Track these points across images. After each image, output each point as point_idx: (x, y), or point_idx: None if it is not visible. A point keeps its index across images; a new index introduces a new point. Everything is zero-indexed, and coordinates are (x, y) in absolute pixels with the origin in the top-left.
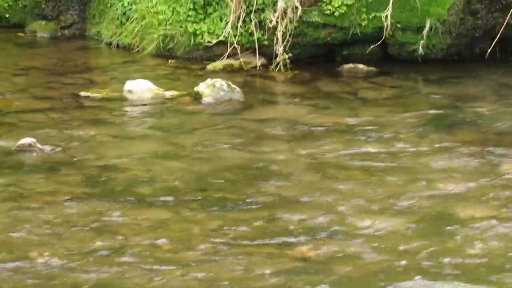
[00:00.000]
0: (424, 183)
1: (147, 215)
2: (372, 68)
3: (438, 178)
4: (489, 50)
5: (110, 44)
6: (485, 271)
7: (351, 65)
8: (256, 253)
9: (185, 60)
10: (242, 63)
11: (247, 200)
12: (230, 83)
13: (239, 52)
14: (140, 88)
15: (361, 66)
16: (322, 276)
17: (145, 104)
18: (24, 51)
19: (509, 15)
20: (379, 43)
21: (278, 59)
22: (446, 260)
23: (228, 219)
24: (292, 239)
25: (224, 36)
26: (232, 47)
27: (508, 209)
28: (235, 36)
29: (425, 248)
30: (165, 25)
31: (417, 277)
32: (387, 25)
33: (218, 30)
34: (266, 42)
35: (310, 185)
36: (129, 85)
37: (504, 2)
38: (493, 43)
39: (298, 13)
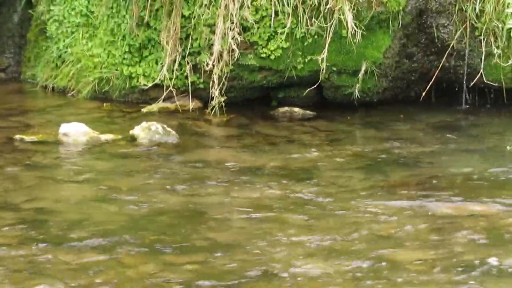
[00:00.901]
0: (360, 227)
1: (82, 259)
2: (308, 112)
3: (373, 221)
4: (424, 93)
5: (45, 87)
6: None
7: (286, 108)
8: None
9: (121, 103)
10: (178, 106)
11: (182, 244)
12: (165, 126)
13: (174, 95)
14: (76, 131)
15: (296, 109)
16: None
17: (81, 148)
18: None
19: (444, 58)
20: (315, 86)
21: (213, 102)
22: None
23: (163, 263)
24: (227, 283)
25: (159, 79)
26: (168, 90)
27: (442, 252)
28: (170, 79)
29: None
30: (101, 68)
31: None
32: (323, 68)
33: (153, 73)
34: (202, 85)
35: (245, 229)
36: (64, 128)
37: (439, 45)
38: (428, 86)
39: (234, 56)
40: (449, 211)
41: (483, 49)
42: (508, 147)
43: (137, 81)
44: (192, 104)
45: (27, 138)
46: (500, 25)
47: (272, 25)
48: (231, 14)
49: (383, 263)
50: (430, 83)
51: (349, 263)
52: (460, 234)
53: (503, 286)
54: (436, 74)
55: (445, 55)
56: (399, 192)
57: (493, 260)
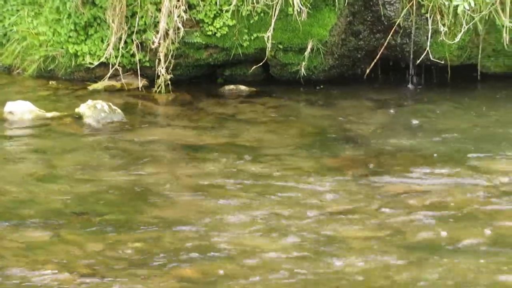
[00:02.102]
0: (306, 204)
1: (28, 238)
2: (254, 89)
3: (319, 198)
4: (368, 70)
5: None
6: None
7: (232, 86)
8: (138, 274)
9: (67, 81)
10: (124, 84)
11: (129, 222)
12: (111, 104)
13: (120, 73)
14: (21, 110)
15: (242, 87)
16: None
17: (26, 126)
18: None
19: (390, 36)
20: (261, 64)
21: (160, 81)
22: (327, 281)
23: (110, 241)
24: (174, 260)
25: (105, 58)
26: (113, 68)
27: (388, 229)
28: (116, 57)
29: (307, 269)
30: (46, 46)
31: None
32: (268, 46)
33: (99, 51)
34: (148, 64)
35: (192, 206)
36: (9, 106)
37: (386, 23)
38: (373, 63)
39: (180, 34)
40: (396, 188)
41: (429, 26)
42: (410, 117)
43: (83, 59)
44: (138, 82)
45: None
46: (446, 3)
47: (218, 3)
48: None
49: (330, 240)
50: (376, 61)
51: (295, 240)
52: (407, 210)
53: (450, 262)
54: (382, 51)
55: (391, 33)
56: (345, 169)
57: (440, 237)
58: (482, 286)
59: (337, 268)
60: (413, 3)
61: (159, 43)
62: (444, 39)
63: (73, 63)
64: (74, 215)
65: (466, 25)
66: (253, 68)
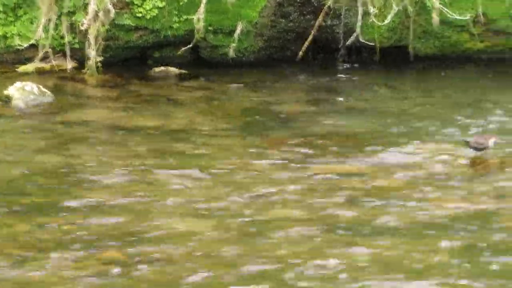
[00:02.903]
0: (236, 186)
1: None
2: (184, 71)
3: (250, 181)
4: (300, 52)
5: None
6: (290, 274)
7: (162, 68)
8: (66, 257)
9: None
10: (54, 66)
11: (57, 204)
12: (41, 86)
13: (51, 55)
14: None
15: (172, 68)
16: (131, 281)
17: None
18: None
19: (320, 17)
20: (190, 45)
21: (90, 63)
22: (253, 263)
23: (37, 223)
24: (102, 242)
25: (35, 39)
26: (43, 50)
27: (316, 211)
28: (46, 39)
29: (236, 252)
30: None
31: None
32: (198, 27)
33: (29, 33)
34: (78, 46)
35: (121, 189)
36: None
37: (316, 5)
38: (304, 46)
39: (110, 16)
40: (327, 169)
41: (360, 8)
42: (341, 99)
43: (12, 41)
44: (68, 64)
45: None
46: None
47: None
48: None
49: (257, 222)
50: (306, 43)
51: (223, 222)
52: (338, 193)
53: (379, 243)
54: (312, 33)
55: (322, 15)
56: (276, 151)
57: (370, 218)
58: (413, 265)
59: (263, 248)
60: None
61: (88, 25)
62: (374, 20)
63: (2, 45)
64: (1, 197)
65: (396, 6)
66: (182, 49)
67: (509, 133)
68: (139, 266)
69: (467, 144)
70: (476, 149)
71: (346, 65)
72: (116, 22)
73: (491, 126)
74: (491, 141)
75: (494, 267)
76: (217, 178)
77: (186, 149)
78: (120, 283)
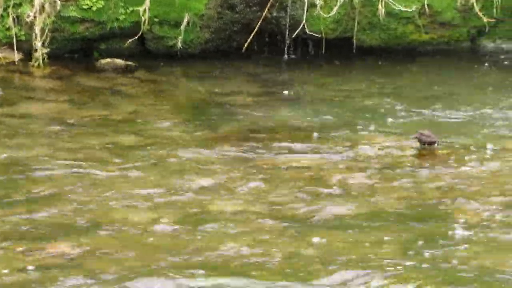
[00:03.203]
0: (183, 177)
1: None
2: (130, 63)
3: (197, 172)
4: (246, 44)
5: None
6: (237, 265)
7: (108, 59)
8: (13, 248)
9: None
10: (1, 58)
11: (4, 197)
12: None
13: None
14: None
15: (119, 60)
16: (80, 271)
17: None
18: None
19: (266, 9)
20: (136, 37)
21: (36, 55)
22: (200, 255)
23: None
24: (50, 234)
25: None
26: None
27: (263, 203)
28: None
29: (181, 244)
30: None
31: (171, 274)
32: (144, 19)
33: None
34: (24, 37)
35: (68, 180)
36: None
37: None
38: (250, 37)
39: (57, 8)
40: (274, 162)
41: (306, 0)
42: (287, 91)
43: None
44: (15, 56)
45: None
46: None
47: None
48: None
49: (204, 214)
50: (252, 34)
51: (170, 213)
52: (284, 185)
53: (326, 235)
54: (258, 25)
55: (268, 6)
56: (223, 143)
57: (314, 212)
58: (359, 257)
59: (211, 241)
60: None
61: (34, 17)
62: (320, 12)
63: None
64: None
65: None
66: (128, 41)
67: (454, 125)
68: (89, 256)
69: (415, 137)
70: (424, 142)
71: (292, 57)
72: (62, 14)
73: (437, 118)
74: (437, 136)
75: (439, 258)
76: (163, 169)
77: (132, 141)
78: (73, 274)
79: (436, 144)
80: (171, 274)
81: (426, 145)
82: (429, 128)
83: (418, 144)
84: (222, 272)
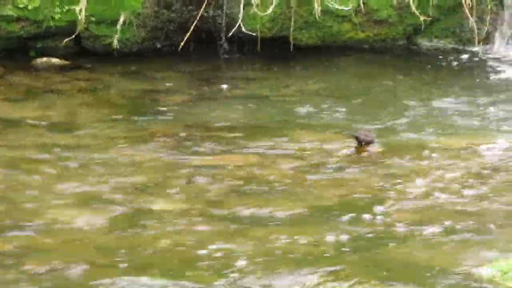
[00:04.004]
0: (120, 176)
1: None
2: (66, 62)
3: (132, 170)
4: (182, 43)
5: None
6: (170, 265)
7: (45, 58)
8: None
9: None
10: None
11: None
12: None
13: None
14: None
15: (54, 59)
16: (14, 271)
17: None
18: None
19: (202, 8)
20: (73, 36)
21: None
22: (141, 254)
23: None
24: None
25: None
26: None
27: (199, 202)
28: None
29: (121, 243)
30: None
31: (115, 274)
32: (81, 18)
33: None
34: None
35: (3, 180)
36: None
37: None
38: (187, 36)
39: None
40: (209, 161)
41: None
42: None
43: None
44: None
45: None
46: None
47: None
48: None
49: (142, 213)
50: (188, 33)
51: (108, 212)
52: (221, 183)
53: (262, 233)
54: (195, 24)
55: (204, 5)
56: (158, 142)
57: (251, 210)
58: (296, 256)
59: (149, 240)
60: None
61: None
62: (256, 11)
63: None
64: None
65: None
66: (65, 40)
67: (391, 124)
68: (25, 257)
69: (353, 136)
70: (361, 141)
71: (229, 56)
72: None
73: (373, 116)
74: (374, 135)
75: (375, 255)
76: (99, 169)
77: (68, 141)
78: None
79: (373, 143)
80: (104, 273)
81: (363, 144)
82: (366, 127)
83: (355, 143)
84: (155, 271)
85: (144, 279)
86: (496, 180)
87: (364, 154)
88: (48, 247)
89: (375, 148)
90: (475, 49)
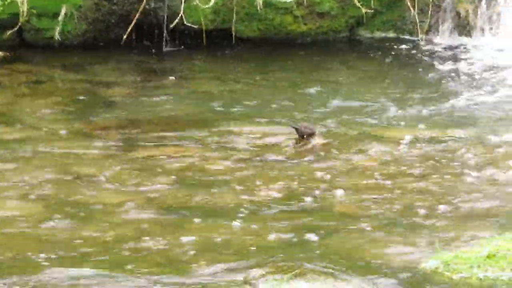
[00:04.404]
0: (62, 169)
1: None
2: (8, 54)
3: (73, 163)
4: (124, 36)
5: None
6: (115, 257)
7: None
8: None
9: None
10: None
11: None
12: None
13: None
14: None
15: None
16: None
17: None
18: None
19: (144, 0)
20: (15, 29)
21: None
22: (82, 246)
23: None
24: None
25: None
26: None
27: (143, 194)
28: None
29: (59, 235)
30: None
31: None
32: (23, 11)
33: None
34: None
35: None
36: None
37: None
38: (129, 29)
39: None
40: (150, 152)
41: None
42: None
43: None
44: None
45: None
46: None
47: None
48: None
49: (84, 205)
50: (131, 26)
51: (48, 205)
52: (165, 176)
53: (203, 225)
54: (136, 16)
55: None
56: (101, 134)
57: (192, 202)
58: (238, 248)
59: (90, 232)
60: None
61: None
62: (198, 3)
63: None
64: None
65: None
66: (8, 33)
67: (333, 115)
68: None
69: (295, 129)
70: (303, 133)
71: (171, 49)
72: None
73: (315, 108)
74: (316, 127)
75: (317, 248)
76: (39, 162)
77: (7, 133)
78: None
79: (315, 135)
80: (48, 265)
81: (305, 136)
82: (308, 120)
83: (297, 136)
84: (91, 263)
85: (76, 271)
86: (437, 173)
87: (307, 146)
88: None
89: (317, 140)
90: (417, 41)
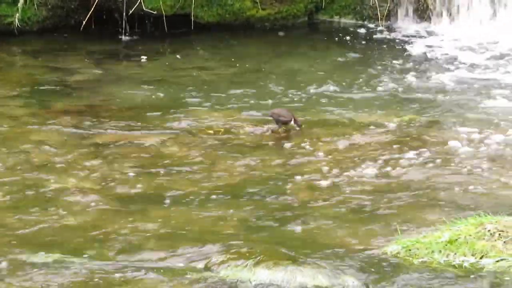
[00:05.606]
0: (17, 155)
1: None
2: None
3: (33, 150)
4: (84, 22)
5: None
6: (75, 243)
7: None
8: None
9: None
10: None
11: None
12: None
13: None
14: None
15: None
16: None
17: None
18: None
19: None
20: None
21: None
22: (43, 232)
23: None
24: None
25: None
26: None
27: (103, 181)
28: None
29: (23, 222)
30: None
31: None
32: None
33: None
34: None
35: None
36: None
37: None
38: (88, 15)
39: None
40: (111, 138)
41: None
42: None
43: None
44: None
45: None
46: None
47: None
48: None
49: (43, 191)
50: (90, 12)
51: (7, 191)
52: (125, 162)
53: (164, 211)
54: (96, 2)
55: None
56: (59, 120)
57: (155, 189)
58: (194, 234)
59: (51, 218)
60: None
61: None
62: None
63: None
64: None
65: None
66: None
67: (300, 102)
68: None
69: (270, 116)
70: (278, 121)
71: (130, 35)
72: None
73: (281, 95)
74: (292, 114)
75: (280, 233)
76: (1, 147)
77: None
78: None
79: (290, 123)
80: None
81: (280, 123)
82: (285, 108)
83: (273, 123)
84: (55, 249)
85: (41, 255)
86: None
87: (277, 133)
88: None
89: (292, 127)
90: (376, 26)
